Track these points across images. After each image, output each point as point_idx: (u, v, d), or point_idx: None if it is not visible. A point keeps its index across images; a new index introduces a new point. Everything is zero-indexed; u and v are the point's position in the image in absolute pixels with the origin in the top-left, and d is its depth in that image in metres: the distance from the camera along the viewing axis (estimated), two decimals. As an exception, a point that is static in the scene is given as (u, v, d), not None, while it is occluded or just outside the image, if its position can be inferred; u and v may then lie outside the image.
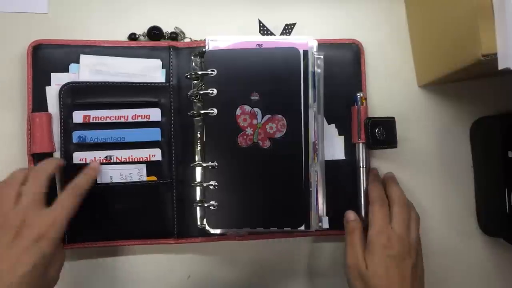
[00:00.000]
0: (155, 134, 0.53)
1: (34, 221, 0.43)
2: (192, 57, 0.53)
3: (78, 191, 0.47)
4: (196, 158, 0.53)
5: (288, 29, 0.54)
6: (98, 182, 0.52)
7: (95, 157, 0.52)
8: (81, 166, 0.50)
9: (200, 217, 0.53)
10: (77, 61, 0.52)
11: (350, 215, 0.53)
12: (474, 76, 0.55)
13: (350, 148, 0.55)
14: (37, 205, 0.44)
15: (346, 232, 0.52)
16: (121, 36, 0.55)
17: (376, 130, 0.53)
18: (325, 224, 0.53)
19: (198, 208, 0.53)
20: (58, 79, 0.52)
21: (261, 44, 0.51)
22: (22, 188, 0.45)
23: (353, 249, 0.50)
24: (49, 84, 0.52)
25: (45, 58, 0.52)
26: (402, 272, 0.48)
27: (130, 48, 0.53)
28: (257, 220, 0.51)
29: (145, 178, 0.53)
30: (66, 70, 0.52)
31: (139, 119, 0.52)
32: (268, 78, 0.50)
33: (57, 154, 0.51)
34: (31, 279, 0.41)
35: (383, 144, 0.53)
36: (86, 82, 0.52)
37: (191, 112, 0.52)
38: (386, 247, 0.49)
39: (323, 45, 0.54)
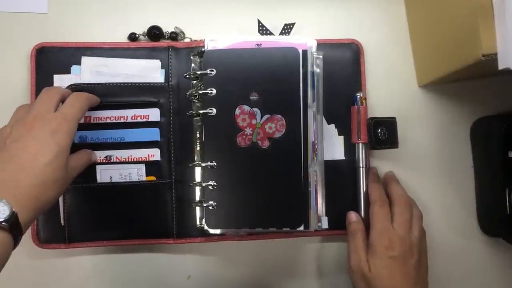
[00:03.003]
0: (154, 134, 0.53)
1: (45, 118, 0.43)
2: (191, 57, 0.53)
3: (82, 95, 0.47)
4: (195, 158, 0.53)
5: (287, 29, 0.54)
6: (98, 181, 0.52)
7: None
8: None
9: (199, 217, 0.53)
10: (79, 63, 0.53)
11: (352, 216, 0.53)
12: (474, 76, 0.55)
13: (349, 148, 0.55)
14: (48, 106, 0.45)
15: (348, 234, 0.52)
16: (121, 36, 0.55)
17: (379, 130, 0.53)
18: (325, 224, 0.53)
19: (197, 208, 0.53)
20: (60, 81, 0.52)
21: (260, 44, 0.51)
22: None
23: (356, 251, 0.50)
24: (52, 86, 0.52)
25: (48, 61, 0.52)
26: (405, 272, 0.48)
27: (130, 49, 0.54)
28: (256, 220, 0.51)
29: (144, 178, 0.53)
30: (68, 72, 0.53)
31: (139, 119, 0.52)
32: (267, 78, 0.50)
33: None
34: (52, 169, 0.41)
35: (386, 144, 0.53)
36: (87, 84, 0.52)
37: (190, 112, 0.52)
38: (388, 248, 0.49)
39: (322, 45, 0.54)
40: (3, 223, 0.37)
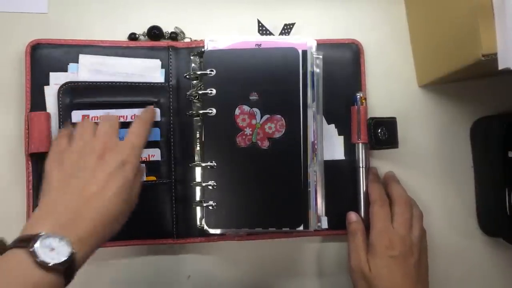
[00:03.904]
0: (154, 134, 0.52)
1: (115, 147, 0.43)
2: (191, 57, 0.53)
3: (146, 120, 0.48)
4: (195, 158, 0.53)
5: (287, 29, 0.54)
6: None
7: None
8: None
9: (199, 217, 0.53)
10: (76, 61, 0.52)
11: (352, 216, 0.53)
12: (474, 76, 0.55)
13: (349, 148, 0.55)
14: (114, 134, 0.45)
15: (348, 234, 0.52)
16: (121, 35, 0.55)
17: (379, 130, 0.53)
18: (324, 224, 0.53)
19: (197, 208, 0.53)
20: (56, 79, 0.52)
21: (260, 44, 0.51)
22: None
23: (356, 251, 0.50)
24: (48, 84, 0.52)
25: (44, 58, 0.52)
26: (405, 272, 0.48)
27: (129, 48, 0.53)
28: (256, 220, 0.51)
29: (144, 178, 0.52)
30: (65, 69, 0.52)
31: (139, 119, 0.52)
32: (267, 78, 0.50)
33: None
34: (117, 202, 0.41)
35: (386, 144, 0.53)
36: (85, 82, 0.52)
37: (190, 112, 0.52)
38: (388, 248, 0.49)
39: (322, 45, 0.54)
40: (59, 266, 0.35)
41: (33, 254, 0.34)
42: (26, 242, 0.35)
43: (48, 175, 0.42)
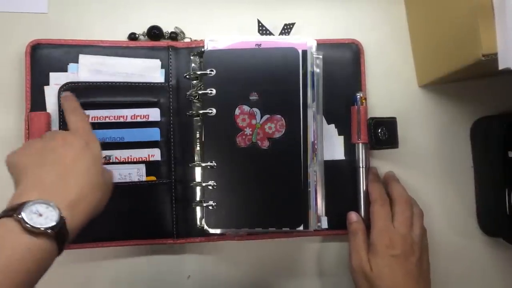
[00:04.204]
0: (154, 134, 0.53)
1: (73, 133, 0.43)
2: (191, 57, 0.53)
3: (77, 109, 0.47)
4: (195, 158, 0.53)
5: (287, 29, 0.54)
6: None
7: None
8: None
9: (199, 217, 0.53)
10: (76, 61, 0.53)
11: (352, 216, 0.53)
12: (474, 76, 0.55)
13: (349, 148, 0.55)
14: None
15: (349, 234, 0.52)
16: (121, 35, 0.55)
17: (379, 130, 0.53)
18: (324, 224, 0.53)
19: (197, 208, 0.53)
20: (56, 79, 0.52)
21: (260, 44, 0.51)
22: None
23: (357, 251, 0.50)
24: (48, 84, 0.52)
25: (44, 58, 0.52)
26: (406, 270, 0.48)
27: (129, 48, 0.53)
28: (256, 220, 0.51)
29: (144, 178, 0.53)
30: (65, 70, 0.52)
31: (138, 119, 0.52)
32: (267, 78, 0.50)
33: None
34: (93, 173, 0.41)
35: (386, 144, 0.53)
36: (85, 82, 0.52)
37: (190, 112, 0.52)
38: (389, 247, 0.49)
39: (322, 45, 0.54)
40: (49, 230, 0.35)
41: (21, 221, 0.34)
42: (13, 210, 0.35)
43: (17, 165, 0.41)
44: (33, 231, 0.34)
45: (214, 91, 0.51)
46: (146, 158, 0.52)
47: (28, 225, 0.34)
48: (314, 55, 0.52)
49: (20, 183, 0.39)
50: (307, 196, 0.50)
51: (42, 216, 0.35)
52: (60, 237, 0.36)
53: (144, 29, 0.55)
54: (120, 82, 0.52)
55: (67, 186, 0.38)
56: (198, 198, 0.53)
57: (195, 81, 0.53)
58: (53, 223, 0.35)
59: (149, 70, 0.53)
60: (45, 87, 0.52)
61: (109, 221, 0.52)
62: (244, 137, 0.51)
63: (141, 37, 0.55)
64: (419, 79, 0.57)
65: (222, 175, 0.51)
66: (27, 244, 0.34)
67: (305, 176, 0.50)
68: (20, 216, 0.34)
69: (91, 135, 0.44)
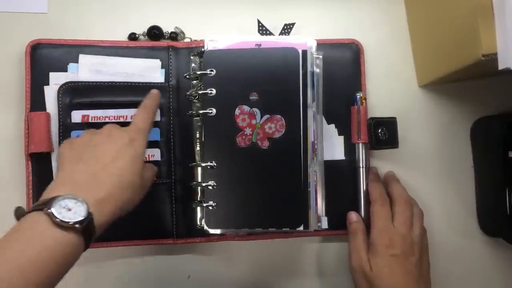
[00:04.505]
0: (154, 134, 0.52)
1: (121, 129, 0.45)
2: (191, 57, 0.53)
3: (151, 105, 0.48)
4: (195, 158, 0.53)
5: (287, 29, 0.54)
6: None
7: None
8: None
9: (199, 217, 0.53)
10: (76, 61, 0.52)
11: (352, 216, 0.53)
12: (474, 76, 0.55)
13: (349, 148, 0.55)
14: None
15: (349, 234, 0.52)
16: (121, 35, 0.55)
17: (379, 130, 0.53)
18: (324, 224, 0.53)
19: (197, 208, 0.53)
20: (56, 79, 0.52)
21: (260, 44, 0.51)
22: None
23: (357, 251, 0.50)
24: (48, 84, 0.52)
25: (44, 58, 0.52)
26: (406, 270, 0.48)
27: (129, 48, 0.53)
28: (255, 220, 0.51)
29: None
30: (64, 69, 0.52)
31: (138, 119, 0.52)
32: (267, 78, 0.50)
33: (55, 154, 0.51)
34: (129, 172, 0.42)
35: (386, 144, 0.53)
36: (85, 82, 0.52)
37: (190, 112, 0.52)
38: (389, 246, 0.49)
39: (322, 45, 0.54)
40: (77, 225, 0.36)
41: (51, 215, 0.35)
42: (43, 204, 0.36)
43: (60, 156, 0.44)
44: (62, 225, 0.35)
45: (214, 91, 0.51)
46: (146, 158, 0.52)
47: (57, 219, 0.35)
48: (314, 55, 0.52)
49: (56, 177, 0.41)
50: (307, 196, 0.50)
51: (71, 210, 0.36)
52: (87, 232, 0.37)
53: (144, 29, 0.55)
54: (120, 82, 0.52)
55: (98, 184, 0.39)
56: (198, 198, 0.53)
57: (195, 81, 0.53)
58: (81, 218, 0.36)
59: (149, 70, 0.53)
60: (45, 87, 0.52)
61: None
62: (244, 137, 0.51)
63: (141, 37, 0.55)
64: (419, 79, 0.57)
65: (222, 175, 0.51)
66: (56, 238, 0.35)
67: (305, 176, 0.50)
68: (50, 210, 0.35)
69: (140, 133, 0.45)
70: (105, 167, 0.41)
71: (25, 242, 0.35)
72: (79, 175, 0.40)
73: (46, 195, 0.38)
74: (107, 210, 0.39)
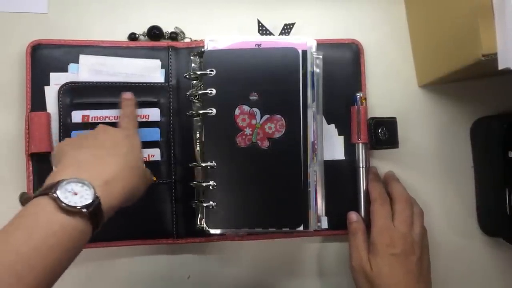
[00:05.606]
0: (154, 134, 0.53)
1: (115, 127, 0.46)
2: (191, 57, 0.53)
3: (131, 115, 0.49)
4: (195, 158, 0.53)
5: (287, 29, 0.54)
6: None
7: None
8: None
9: (199, 217, 0.53)
10: (76, 61, 0.53)
11: (353, 216, 0.53)
12: (474, 76, 0.55)
13: (349, 148, 0.55)
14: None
15: (349, 234, 0.52)
16: (121, 36, 0.55)
17: (379, 130, 0.53)
18: (324, 224, 0.53)
19: (197, 208, 0.52)
20: (57, 79, 0.52)
21: (260, 44, 0.51)
22: None
23: (357, 251, 0.50)
24: (48, 84, 0.52)
25: (44, 58, 0.52)
26: (407, 269, 0.48)
27: (129, 48, 0.53)
28: (255, 220, 0.51)
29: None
30: (65, 70, 0.52)
31: (139, 119, 0.52)
32: (267, 78, 0.50)
33: (55, 154, 0.52)
34: (133, 156, 0.42)
35: (386, 144, 0.53)
36: (85, 82, 0.52)
37: (190, 112, 0.52)
38: (389, 246, 0.49)
39: (322, 45, 0.54)
40: (84, 210, 0.34)
41: (56, 199, 0.34)
42: (49, 189, 0.35)
43: (57, 152, 0.43)
44: (68, 210, 0.34)
45: (214, 91, 0.51)
46: (146, 158, 0.52)
47: (63, 204, 0.34)
48: (314, 55, 0.52)
49: (58, 165, 0.40)
50: (307, 196, 0.50)
51: (77, 195, 0.35)
52: (94, 217, 0.36)
53: (144, 29, 0.55)
54: (120, 82, 0.52)
55: (103, 165, 0.39)
56: (198, 198, 0.53)
57: (195, 81, 0.53)
58: (88, 202, 0.35)
59: (149, 70, 0.53)
60: (46, 87, 0.52)
61: (108, 221, 0.52)
62: (244, 137, 0.51)
63: (141, 37, 0.55)
64: (419, 79, 0.57)
65: (222, 175, 0.51)
66: (62, 223, 0.34)
67: (305, 176, 0.50)
68: (55, 195, 0.34)
69: (133, 130, 0.46)
70: (108, 151, 0.41)
71: (30, 228, 0.33)
72: (84, 156, 0.39)
73: (51, 179, 0.37)
74: (116, 192, 0.38)
